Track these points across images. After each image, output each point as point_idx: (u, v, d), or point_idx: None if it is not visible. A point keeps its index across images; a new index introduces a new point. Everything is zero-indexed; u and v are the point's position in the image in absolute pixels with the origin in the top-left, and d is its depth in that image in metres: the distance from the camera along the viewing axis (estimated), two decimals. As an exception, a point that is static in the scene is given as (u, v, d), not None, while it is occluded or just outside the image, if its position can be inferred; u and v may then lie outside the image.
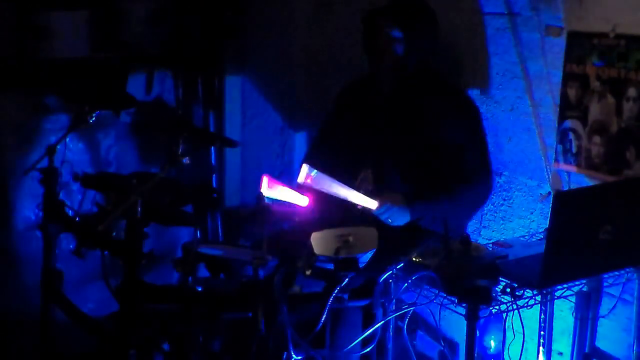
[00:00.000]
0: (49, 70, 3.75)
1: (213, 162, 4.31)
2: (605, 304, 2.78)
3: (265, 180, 2.74)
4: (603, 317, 2.80)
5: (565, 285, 2.54)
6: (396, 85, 3.08)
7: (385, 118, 3.11)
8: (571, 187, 2.89)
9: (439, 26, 3.05)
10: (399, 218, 2.88)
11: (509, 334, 2.65)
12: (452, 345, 3.24)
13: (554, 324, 2.91)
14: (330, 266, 2.57)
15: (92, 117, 3.29)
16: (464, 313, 2.32)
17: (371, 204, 2.84)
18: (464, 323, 2.33)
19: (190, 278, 2.89)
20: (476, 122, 3.05)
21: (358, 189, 2.90)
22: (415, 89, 3.05)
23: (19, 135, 3.82)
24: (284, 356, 2.58)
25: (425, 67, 3.05)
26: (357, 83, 3.27)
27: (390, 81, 3.09)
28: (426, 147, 2.99)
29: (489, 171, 3.04)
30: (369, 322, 2.67)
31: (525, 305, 2.44)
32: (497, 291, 2.36)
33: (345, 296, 2.56)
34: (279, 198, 2.76)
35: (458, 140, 2.96)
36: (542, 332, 2.89)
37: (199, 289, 2.88)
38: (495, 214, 3.22)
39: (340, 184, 2.80)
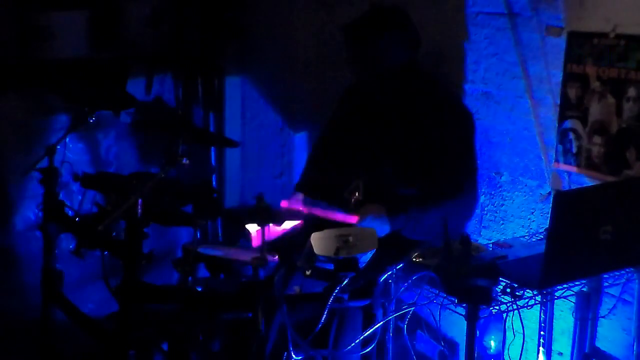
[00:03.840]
0: (49, 70, 3.75)
1: (213, 162, 4.32)
2: (605, 304, 2.78)
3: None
4: (603, 317, 2.80)
5: (565, 285, 2.54)
6: (383, 93, 3.09)
7: (376, 124, 3.11)
8: (571, 187, 2.88)
9: (416, 30, 3.05)
10: (380, 229, 2.86)
11: (509, 334, 2.65)
12: (452, 345, 3.24)
13: (554, 324, 2.91)
14: (330, 266, 2.57)
15: (92, 117, 3.29)
16: (464, 313, 2.32)
17: (351, 219, 2.84)
18: (464, 323, 2.33)
19: (190, 278, 2.89)
20: (465, 130, 3.03)
21: (348, 199, 2.93)
22: (404, 95, 3.05)
23: (19, 135, 3.82)
24: (284, 356, 2.58)
25: (412, 71, 3.05)
26: (355, 88, 3.28)
27: (375, 89, 3.10)
28: (415, 154, 2.98)
29: (474, 181, 3.04)
30: (369, 322, 2.67)
31: (525, 305, 2.44)
32: (497, 291, 2.36)
33: (345, 296, 2.56)
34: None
35: (445, 148, 2.94)
36: (542, 332, 2.89)
37: (199, 289, 2.88)
38: (495, 214, 3.22)
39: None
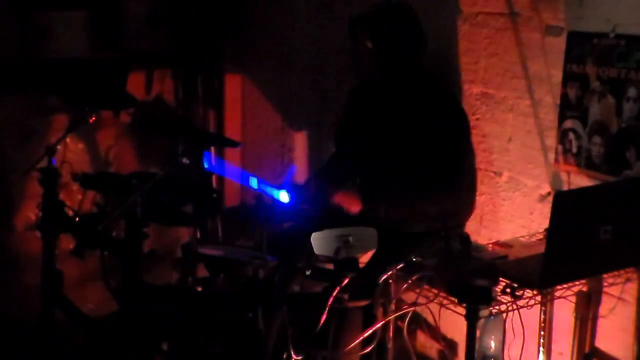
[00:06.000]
0: (49, 70, 3.75)
1: (213, 162, 4.32)
2: (605, 304, 2.78)
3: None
4: (603, 317, 2.80)
5: (565, 285, 2.54)
6: (382, 90, 3.09)
7: (378, 119, 3.12)
8: (571, 187, 2.88)
9: (420, 30, 3.04)
10: (350, 204, 2.89)
11: (509, 334, 2.65)
12: (452, 345, 3.24)
13: (554, 324, 2.90)
14: (331, 266, 2.57)
15: (92, 117, 3.29)
16: (464, 313, 2.32)
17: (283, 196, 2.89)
18: (464, 323, 2.33)
19: (190, 278, 2.89)
20: (458, 128, 3.04)
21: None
22: (404, 92, 3.05)
23: (19, 135, 3.82)
24: (284, 356, 2.58)
25: (414, 70, 3.05)
26: (361, 85, 3.29)
27: (374, 87, 3.11)
28: (410, 149, 2.99)
29: (473, 179, 3.05)
30: (369, 322, 2.67)
31: (525, 305, 2.44)
32: (497, 291, 2.36)
33: (345, 296, 2.56)
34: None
35: (438, 145, 2.95)
36: (542, 332, 2.89)
37: (199, 289, 2.88)
38: (495, 214, 3.22)
39: None
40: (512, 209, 3.15)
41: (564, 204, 2.28)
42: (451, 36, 3.30)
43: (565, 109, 2.86)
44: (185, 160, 2.94)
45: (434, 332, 2.81)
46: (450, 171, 2.98)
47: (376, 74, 3.06)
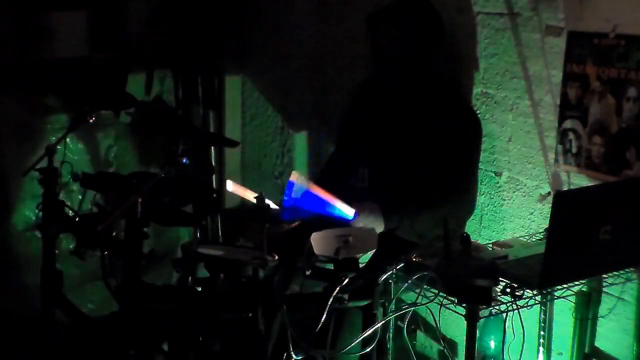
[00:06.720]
0: (49, 70, 3.75)
1: (213, 162, 4.32)
2: (605, 304, 2.78)
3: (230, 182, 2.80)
4: (603, 317, 2.80)
5: (565, 285, 2.54)
6: (398, 86, 3.09)
7: (385, 118, 3.12)
8: (571, 187, 2.88)
9: (443, 27, 3.05)
10: (374, 226, 2.86)
11: (509, 334, 2.65)
12: (452, 345, 3.24)
13: (553, 324, 2.90)
14: (330, 266, 2.57)
15: (92, 117, 3.29)
16: (464, 313, 2.32)
17: (349, 211, 2.83)
18: (464, 323, 2.33)
19: (190, 278, 2.89)
20: (471, 134, 3.04)
21: (354, 186, 2.93)
22: (417, 91, 3.05)
23: (19, 135, 3.82)
24: (284, 356, 2.58)
25: (428, 69, 3.05)
26: (369, 82, 3.29)
27: (391, 81, 3.10)
28: (417, 152, 2.99)
29: (474, 186, 3.05)
30: (369, 322, 2.67)
31: (525, 305, 2.44)
32: (497, 291, 2.36)
33: (345, 296, 2.56)
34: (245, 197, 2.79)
35: (448, 150, 2.95)
36: (542, 332, 2.89)
37: (199, 289, 2.88)
38: (495, 214, 3.22)
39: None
40: (512, 209, 3.15)
41: (564, 204, 2.28)
42: (450, 36, 3.30)
43: (565, 109, 2.86)
44: (185, 160, 2.94)
45: (434, 332, 2.81)
46: (467, 171, 2.99)
47: (399, 67, 3.04)
